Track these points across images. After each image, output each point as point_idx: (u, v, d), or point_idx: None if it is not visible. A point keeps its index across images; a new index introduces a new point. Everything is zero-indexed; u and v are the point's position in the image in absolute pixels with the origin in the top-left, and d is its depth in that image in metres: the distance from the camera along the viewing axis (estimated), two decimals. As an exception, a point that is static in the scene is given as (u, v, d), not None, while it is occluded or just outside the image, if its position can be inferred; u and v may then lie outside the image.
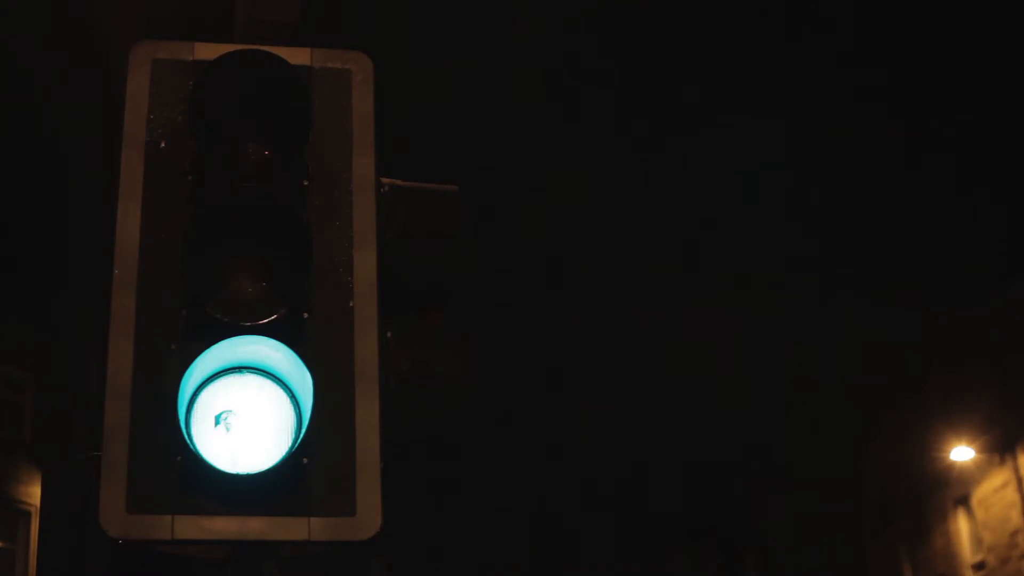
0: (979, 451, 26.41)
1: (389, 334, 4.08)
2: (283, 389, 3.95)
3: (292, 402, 3.93)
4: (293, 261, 3.93)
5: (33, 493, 24.10)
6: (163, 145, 4.11)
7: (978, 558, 27.59)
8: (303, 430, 3.77)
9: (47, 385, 24.85)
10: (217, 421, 3.84)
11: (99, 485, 3.66)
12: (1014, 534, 25.87)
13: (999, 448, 26.27)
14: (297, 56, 4.27)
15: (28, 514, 23.94)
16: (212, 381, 3.90)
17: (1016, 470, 25.72)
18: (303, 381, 3.83)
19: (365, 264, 4.06)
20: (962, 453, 26.45)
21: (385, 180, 4.33)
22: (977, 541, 27.67)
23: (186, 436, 3.70)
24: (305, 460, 3.78)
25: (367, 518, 3.77)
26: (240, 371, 3.93)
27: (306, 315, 3.94)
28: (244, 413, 3.89)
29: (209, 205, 4.00)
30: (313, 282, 3.94)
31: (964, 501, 28.13)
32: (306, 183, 4.12)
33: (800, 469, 36.58)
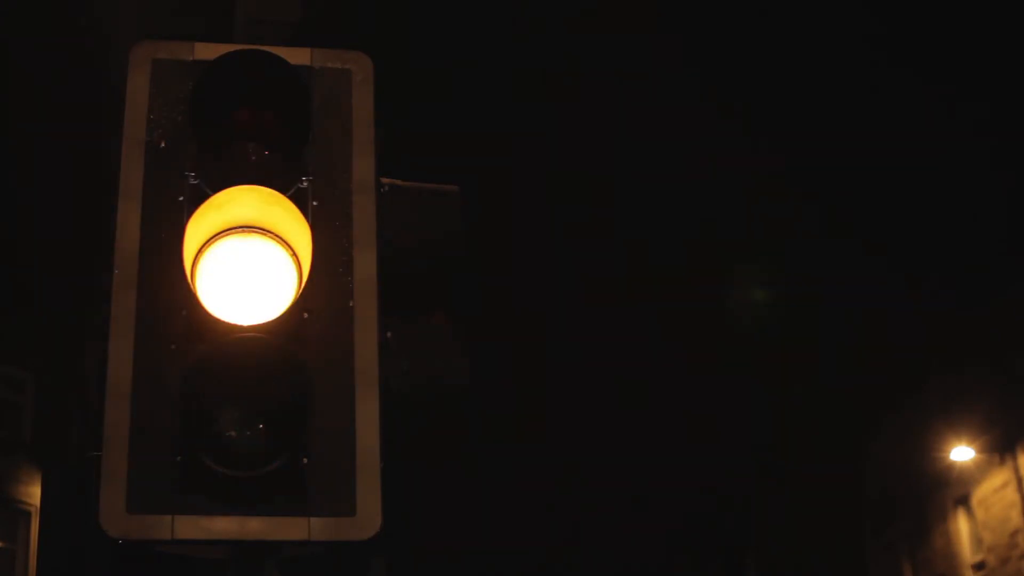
0: (979, 451, 26.42)
1: (389, 334, 4.08)
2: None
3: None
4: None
5: (33, 493, 24.11)
6: (163, 145, 4.11)
7: (978, 558, 27.60)
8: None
9: (47, 385, 24.86)
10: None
11: (99, 485, 3.67)
12: (1014, 534, 25.87)
13: (999, 448, 26.27)
14: (297, 56, 4.27)
15: (28, 514, 23.95)
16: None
17: (1016, 470, 25.72)
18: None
19: (365, 264, 4.06)
20: (962, 453, 26.46)
21: (385, 180, 4.33)
22: (977, 541, 27.68)
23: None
24: (305, 460, 3.78)
25: (367, 518, 3.77)
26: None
27: (306, 315, 3.94)
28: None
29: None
30: (313, 282, 3.94)
31: (964, 501, 28.14)
32: (306, 183, 4.12)
33: (800, 469, 36.59)
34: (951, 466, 27.46)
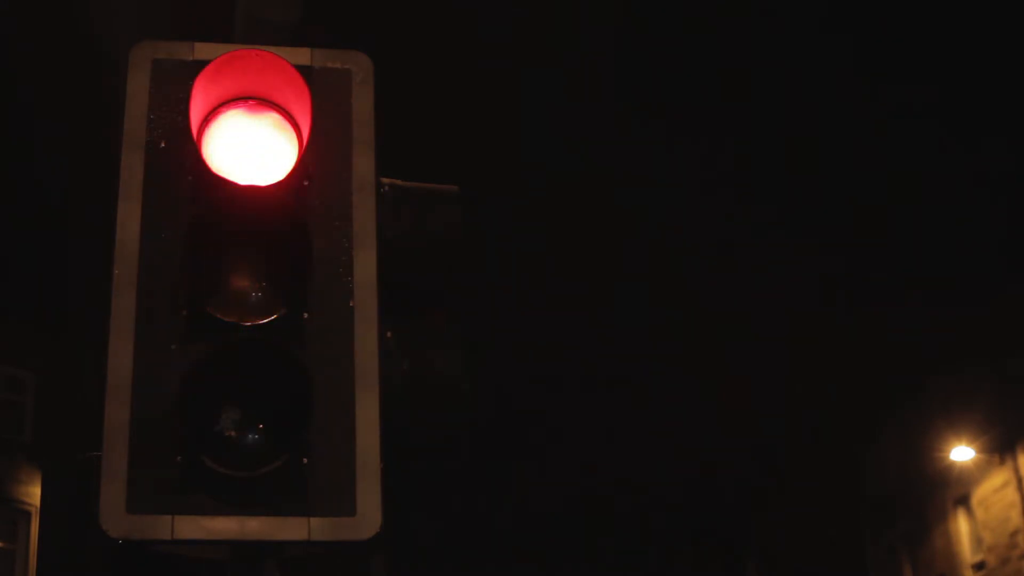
0: (979, 451, 26.42)
1: (389, 334, 4.08)
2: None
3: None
4: (293, 261, 3.93)
5: (33, 493, 24.11)
6: (163, 145, 4.11)
7: (978, 558, 27.60)
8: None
9: (47, 385, 24.86)
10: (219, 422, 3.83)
11: (99, 485, 3.66)
12: (1014, 534, 25.87)
13: (999, 448, 26.28)
14: (297, 56, 4.26)
15: (28, 514, 23.95)
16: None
17: (1016, 470, 25.73)
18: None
19: (365, 264, 4.06)
20: (962, 453, 26.46)
21: (385, 180, 4.32)
22: (977, 541, 27.68)
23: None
24: (305, 460, 3.78)
25: (367, 518, 3.77)
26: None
27: (306, 315, 3.93)
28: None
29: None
30: (313, 282, 3.94)
31: (964, 501, 28.14)
32: (306, 183, 4.12)
33: (800, 470, 36.59)
34: (951, 466, 27.46)
